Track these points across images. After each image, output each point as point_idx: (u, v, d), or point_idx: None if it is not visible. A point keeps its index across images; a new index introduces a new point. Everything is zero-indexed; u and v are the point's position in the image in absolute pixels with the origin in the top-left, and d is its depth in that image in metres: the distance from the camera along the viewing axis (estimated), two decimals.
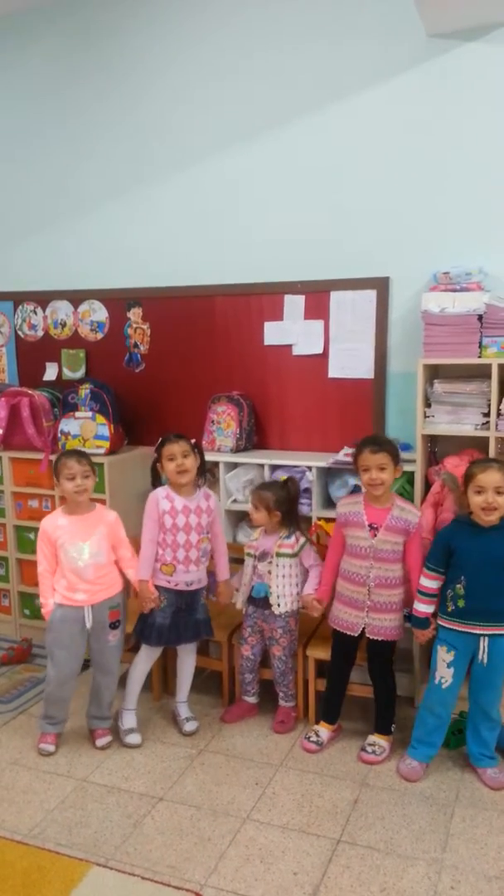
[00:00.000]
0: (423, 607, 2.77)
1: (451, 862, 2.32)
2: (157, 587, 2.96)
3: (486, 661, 2.64)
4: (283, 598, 3.02)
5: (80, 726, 3.08)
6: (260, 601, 3.06)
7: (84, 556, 2.87)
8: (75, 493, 2.89)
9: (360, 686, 3.02)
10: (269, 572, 3.04)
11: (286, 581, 3.03)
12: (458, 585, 2.65)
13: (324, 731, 2.98)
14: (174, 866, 2.32)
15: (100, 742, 2.96)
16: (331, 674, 3.01)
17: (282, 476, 3.26)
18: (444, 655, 2.70)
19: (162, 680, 3.35)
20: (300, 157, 3.63)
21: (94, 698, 3.02)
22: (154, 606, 2.94)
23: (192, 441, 2.99)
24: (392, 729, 2.92)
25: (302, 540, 3.05)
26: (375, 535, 2.81)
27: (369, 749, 2.87)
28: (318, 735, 2.96)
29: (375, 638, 2.86)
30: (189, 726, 3.05)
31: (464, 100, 3.30)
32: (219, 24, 3.72)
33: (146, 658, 3.07)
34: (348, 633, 2.89)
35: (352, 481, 3.35)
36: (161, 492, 2.98)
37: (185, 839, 2.44)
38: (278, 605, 3.02)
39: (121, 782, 2.76)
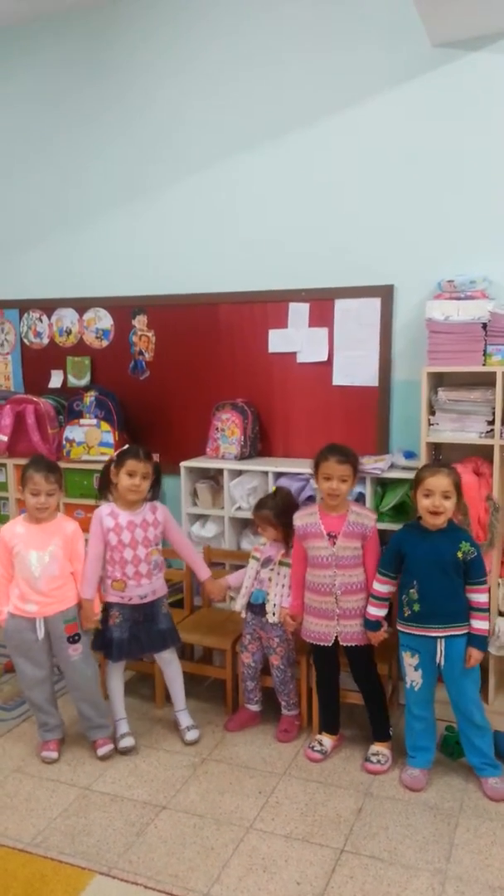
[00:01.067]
0: (374, 610, 2.81)
1: (455, 873, 2.30)
2: (110, 603, 2.95)
3: (443, 663, 2.67)
4: (279, 608, 3.01)
5: (82, 734, 3.07)
6: (257, 607, 3.06)
7: (38, 566, 2.82)
8: (36, 510, 2.84)
9: (356, 693, 3.01)
10: (270, 579, 3.04)
11: (284, 591, 3.02)
12: (412, 590, 2.69)
13: (327, 740, 2.97)
14: (177, 875, 2.31)
15: (101, 752, 2.95)
16: (319, 686, 3.01)
17: (273, 488, 3.27)
18: (409, 660, 2.75)
19: (163, 688, 3.34)
20: (304, 165, 3.65)
21: (78, 713, 3.00)
22: (95, 627, 2.93)
23: (156, 461, 2.99)
24: (390, 733, 2.92)
25: None
26: (335, 543, 2.83)
27: (373, 759, 2.85)
28: (321, 744, 2.95)
29: (349, 644, 2.86)
30: (190, 735, 3.04)
31: (468, 109, 3.31)
32: (221, 36, 3.74)
33: (113, 672, 3.05)
34: (322, 643, 2.89)
35: (356, 489, 3.35)
36: (105, 509, 2.95)
37: (188, 848, 2.43)
38: (273, 615, 3.01)
39: (124, 791, 2.75)
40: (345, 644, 2.87)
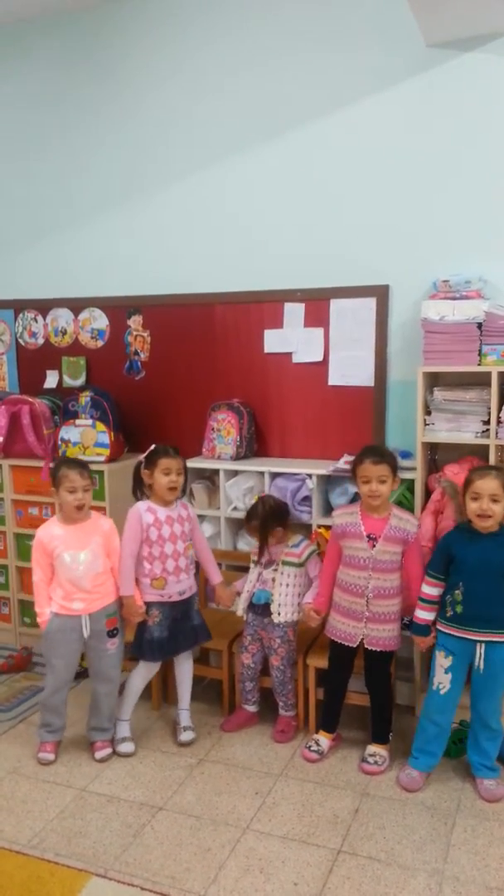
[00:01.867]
0: (423, 614, 2.77)
1: (451, 873, 2.30)
2: (149, 603, 2.96)
3: (482, 667, 2.64)
4: (284, 608, 3.02)
5: (79, 735, 3.07)
6: (260, 608, 3.06)
7: (81, 566, 2.86)
8: (76, 508, 2.88)
9: (359, 695, 3.01)
10: (273, 580, 3.04)
11: (288, 590, 3.02)
12: (457, 591, 2.65)
13: (324, 739, 2.97)
14: (174, 877, 2.30)
15: (98, 755, 2.95)
16: (328, 684, 3.00)
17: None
18: (441, 661, 2.71)
19: (161, 689, 3.34)
20: (300, 165, 3.64)
21: (94, 709, 3.00)
22: (141, 620, 2.94)
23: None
24: (390, 738, 2.91)
25: (310, 549, 3.05)
26: (374, 546, 2.81)
27: (370, 760, 2.85)
28: (318, 744, 2.95)
29: (374, 649, 2.85)
30: (185, 736, 3.04)
31: (463, 109, 3.31)
32: (218, 36, 3.74)
33: (146, 672, 3.06)
34: (346, 643, 2.88)
35: (352, 489, 3.35)
36: (142, 506, 2.98)
37: (184, 849, 2.43)
38: (278, 614, 3.01)
39: (120, 792, 2.75)
40: (369, 648, 2.85)
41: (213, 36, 3.75)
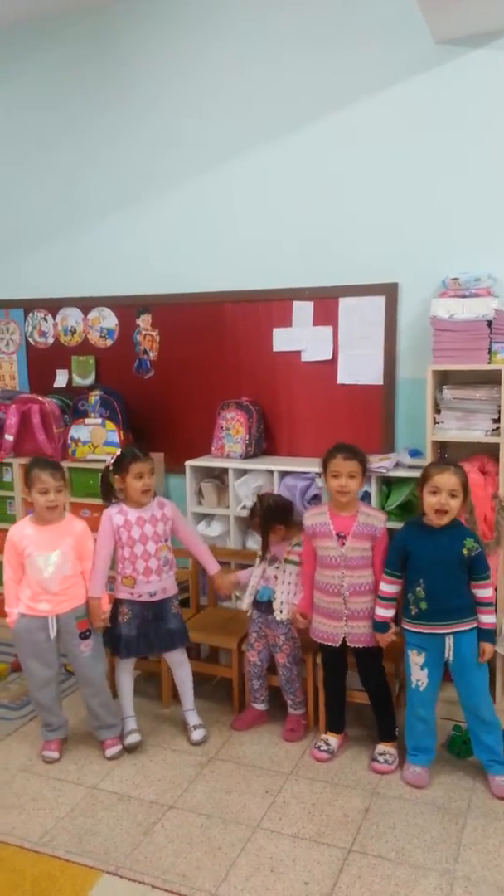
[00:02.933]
0: (382, 611, 2.79)
1: (463, 873, 2.30)
2: (120, 600, 2.96)
3: (452, 658, 2.67)
4: (286, 605, 3.01)
5: (89, 734, 3.08)
6: (263, 605, 3.06)
7: (49, 567, 2.83)
8: (47, 509, 2.85)
9: (362, 693, 3.00)
10: (276, 577, 3.04)
11: (291, 588, 3.02)
12: (418, 588, 2.67)
13: (333, 739, 2.97)
14: (184, 875, 2.31)
15: (109, 752, 2.95)
16: (326, 685, 3.01)
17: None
18: (415, 659, 2.73)
19: (171, 687, 3.34)
20: (308, 163, 3.64)
21: (88, 710, 3.00)
22: (103, 625, 2.93)
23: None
24: (396, 734, 2.91)
25: None
26: (344, 544, 2.81)
27: (381, 759, 2.85)
28: (327, 744, 2.95)
29: (357, 646, 2.85)
30: (196, 735, 3.04)
31: (471, 106, 3.29)
32: (223, 35, 3.74)
33: (123, 670, 3.06)
34: (329, 644, 2.89)
35: (362, 488, 3.34)
36: (113, 509, 2.97)
37: (195, 848, 2.43)
38: (280, 612, 3.01)
39: (131, 790, 2.75)
40: (352, 645, 2.87)
41: (218, 35, 3.75)
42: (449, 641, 2.67)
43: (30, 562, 2.85)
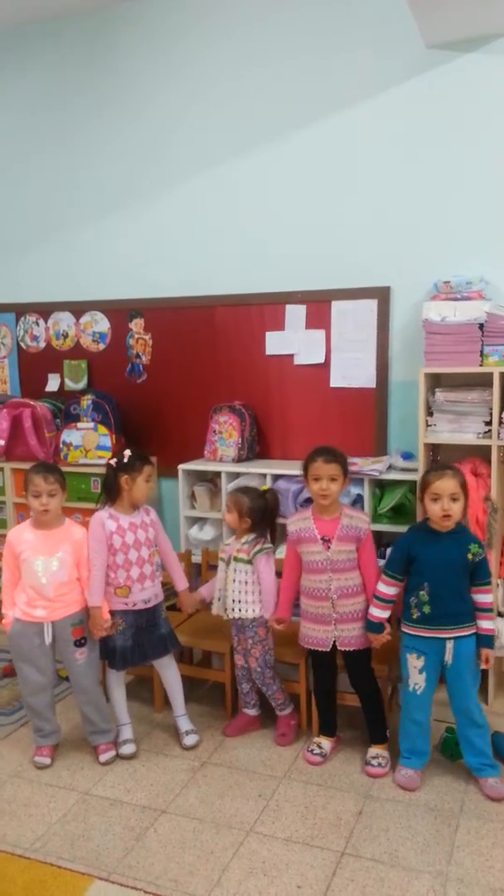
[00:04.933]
0: (378, 612, 2.78)
1: (456, 875, 2.29)
2: (112, 612, 2.92)
3: (450, 661, 2.67)
4: (239, 604, 2.99)
5: (82, 739, 3.06)
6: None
7: (46, 573, 2.82)
8: (40, 512, 2.84)
9: (354, 695, 3.00)
10: (227, 576, 3.03)
11: (242, 587, 2.99)
12: (422, 592, 2.67)
13: (325, 742, 2.96)
14: (177, 880, 2.30)
15: (103, 758, 2.93)
16: (316, 690, 3.00)
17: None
18: (414, 662, 2.73)
19: (163, 692, 3.32)
20: (300, 167, 3.65)
21: (82, 716, 2.99)
22: (106, 634, 2.90)
23: None
24: (387, 735, 2.91)
25: (258, 547, 2.99)
26: (329, 548, 2.81)
27: (374, 762, 2.84)
28: (320, 747, 2.94)
29: (348, 649, 2.85)
30: (189, 740, 3.02)
31: (463, 110, 3.32)
32: (217, 40, 3.75)
33: (115, 681, 3.03)
34: (320, 649, 2.88)
35: (354, 491, 3.35)
36: (103, 514, 2.93)
37: (187, 852, 2.42)
38: (232, 610, 2.99)
39: (123, 795, 2.74)
40: (343, 649, 2.86)
41: (212, 40, 3.77)
42: (449, 646, 2.66)
43: (26, 566, 2.83)
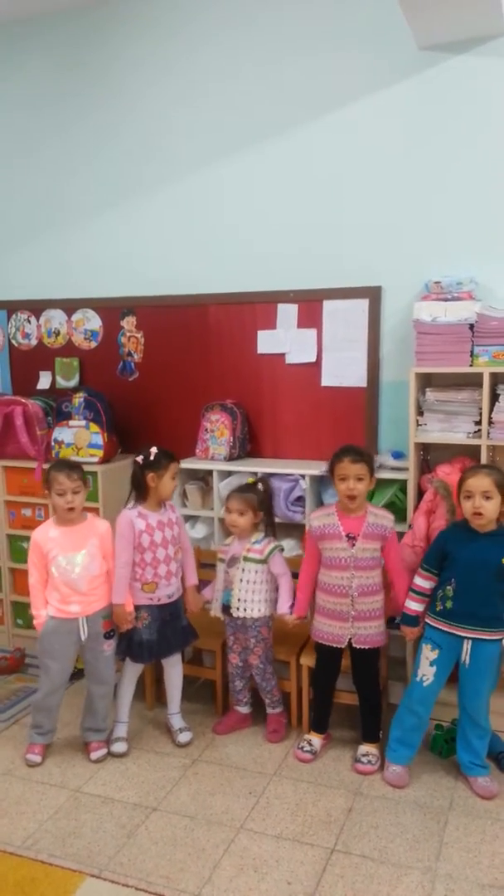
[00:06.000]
0: (414, 605, 2.80)
1: (445, 871, 2.32)
2: (138, 606, 2.95)
3: (468, 662, 2.66)
4: (246, 603, 3.00)
5: (73, 736, 3.07)
6: (229, 608, 3.05)
7: (77, 568, 2.86)
8: (66, 510, 2.87)
9: (349, 694, 3.02)
10: (234, 576, 3.03)
11: (251, 587, 3.00)
12: (448, 587, 2.68)
13: (316, 740, 2.98)
14: (168, 877, 2.31)
15: (94, 755, 2.95)
16: (317, 686, 3.01)
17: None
18: (427, 653, 2.74)
19: (155, 690, 3.34)
20: (293, 167, 3.66)
21: (89, 710, 3.00)
22: (130, 627, 2.93)
23: None
24: (380, 735, 2.93)
25: (272, 546, 3.02)
26: (354, 545, 2.82)
27: (364, 760, 2.86)
28: (310, 744, 2.96)
29: (362, 647, 2.87)
30: (183, 737, 3.04)
31: (454, 111, 3.33)
32: (210, 39, 3.75)
33: (134, 673, 3.06)
34: (335, 645, 2.89)
35: None
36: (132, 513, 2.96)
37: (178, 849, 2.43)
38: (237, 609, 3.00)
39: (114, 792, 2.75)
40: (358, 646, 2.86)
41: (205, 39, 3.76)
42: (467, 645, 2.65)
43: (56, 564, 2.86)
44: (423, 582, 2.78)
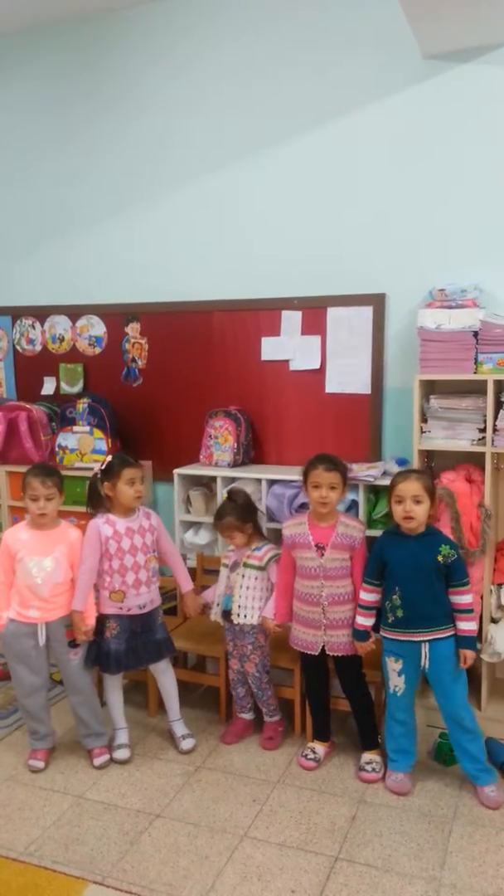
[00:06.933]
0: (362, 620, 2.81)
1: (449, 880, 2.31)
2: (107, 615, 2.92)
3: (428, 666, 2.68)
4: (245, 610, 3.00)
5: (76, 743, 3.06)
6: (229, 614, 3.05)
7: (41, 573, 2.83)
8: (38, 516, 2.85)
9: (347, 701, 3.01)
10: (235, 582, 3.04)
11: (250, 593, 3.01)
12: (395, 596, 2.70)
13: (319, 747, 2.98)
14: (171, 884, 2.30)
15: (97, 761, 2.94)
16: (308, 694, 3.02)
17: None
18: (392, 665, 2.76)
19: (158, 697, 3.33)
20: (297, 175, 3.67)
21: (76, 718, 2.99)
22: (86, 639, 2.90)
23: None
24: (379, 741, 2.92)
25: (271, 553, 3.02)
26: (323, 555, 2.83)
27: (368, 768, 2.86)
28: (314, 752, 2.95)
29: (336, 654, 2.87)
30: (186, 744, 3.03)
31: (459, 120, 3.34)
32: (215, 47, 3.77)
33: (112, 685, 3.04)
34: (309, 652, 2.90)
35: (349, 496, 3.36)
36: (100, 520, 2.93)
37: (182, 857, 2.43)
38: (238, 616, 3.00)
39: (117, 799, 2.74)
40: (331, 654, 2.88)
41: (210, 47, 3.78)
42: (425, 649, 2.68)
43: (21, 566, 2.84)
44: (368, 596, 2.79)
